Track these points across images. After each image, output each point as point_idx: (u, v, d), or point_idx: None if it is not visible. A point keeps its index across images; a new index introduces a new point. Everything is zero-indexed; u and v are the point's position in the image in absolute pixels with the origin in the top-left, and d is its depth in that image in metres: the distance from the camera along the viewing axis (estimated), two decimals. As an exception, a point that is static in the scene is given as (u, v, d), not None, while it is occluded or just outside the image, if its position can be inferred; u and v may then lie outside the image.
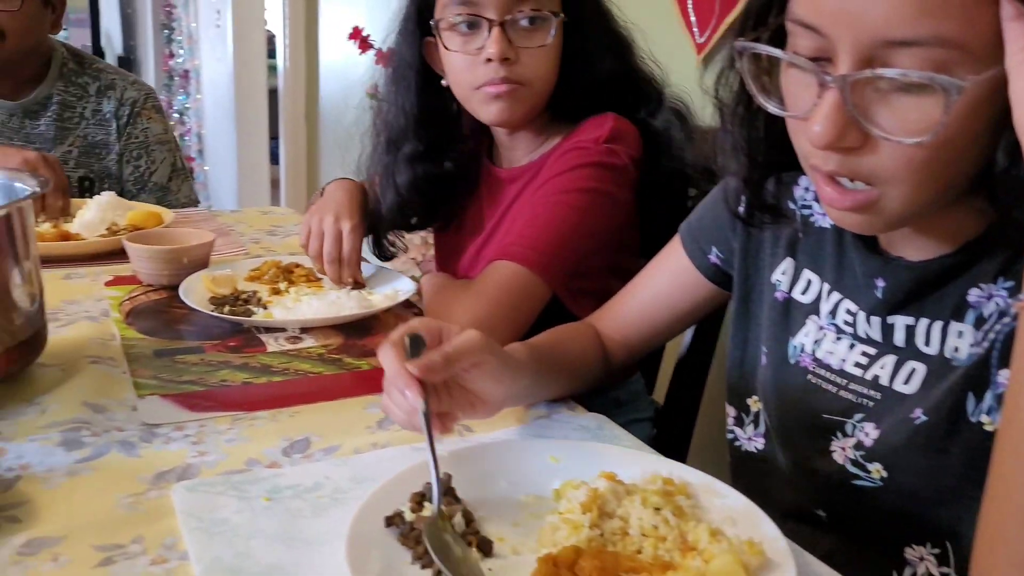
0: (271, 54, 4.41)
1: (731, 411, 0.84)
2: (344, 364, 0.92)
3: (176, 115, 5.51)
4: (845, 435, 0.71)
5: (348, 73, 3.19)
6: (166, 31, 5.71)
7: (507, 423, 0.81)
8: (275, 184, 4.33)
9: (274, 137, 4.22)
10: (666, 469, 0.67)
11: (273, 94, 4.05)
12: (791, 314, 0.78)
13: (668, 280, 0.91)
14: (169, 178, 1.70)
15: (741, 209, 0.76)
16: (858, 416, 0.70)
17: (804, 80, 0.58)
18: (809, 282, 0.77)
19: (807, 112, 0.57)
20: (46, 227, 1.29)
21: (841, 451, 0.71)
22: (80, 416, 0.75)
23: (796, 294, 0.78)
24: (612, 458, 0.69)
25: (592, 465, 0.68)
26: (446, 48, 1.04)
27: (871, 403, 0.70)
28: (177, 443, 0.73)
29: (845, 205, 0.60)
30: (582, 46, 1.05)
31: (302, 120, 3.69)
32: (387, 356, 0.66)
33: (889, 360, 0.69)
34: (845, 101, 0.55)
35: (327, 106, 3.51)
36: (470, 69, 1.03)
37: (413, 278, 1.20)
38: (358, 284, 1.12)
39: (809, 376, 0.75)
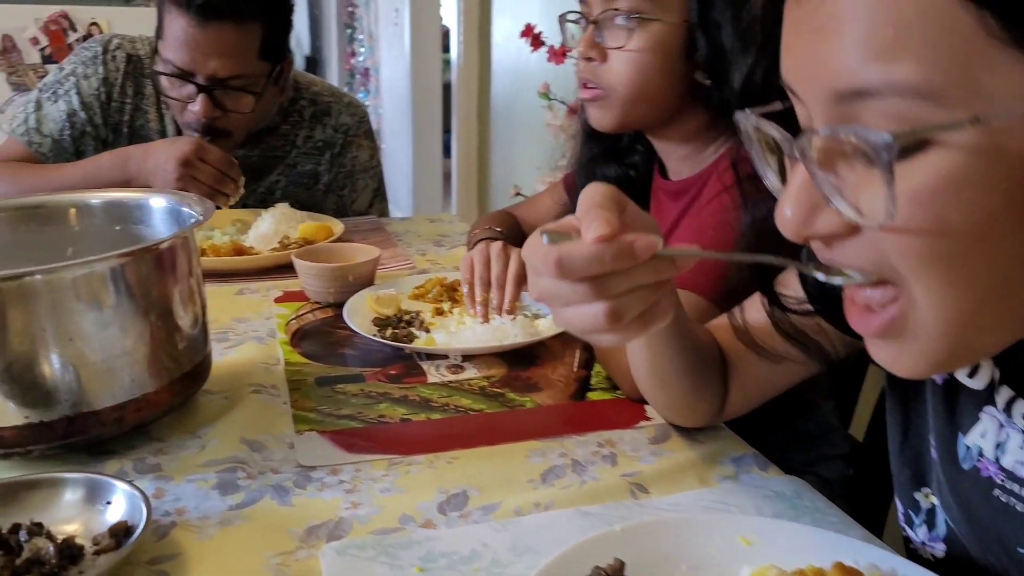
0: (446, 48, 4.49)
1: (899, 505, 0.66)
2: (506, 400, 0.86)
3: (357, 112, 5.74)
4: None
5: (520, 69, 3.15)
6: (348, 31, 5.97)
7: (688, 483, 0.71)
8: (447, 177, 4.41)
9: (447, 131, 4.30)
10: (883, 562, 0.55)
11: (447, 88, 4.12)
12: (959, 403, 0.58)
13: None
14: (370, 203, 1.63)
15: None
16: None
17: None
18: (978, 363, 0.56)
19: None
20: (222, 240, 1.32)
21: None
22: (238, 454, 0.73)
23: (962, 376, 0.57)
24: (818, 542, 0.58)
25: (790, 549, 0.57)
26: (567, 46, 1.01)
27: None
28: (331, 490, 0.69)
29: (870, 330, 0.45)
30: (720, 46, 0.93)
31: (474, 115, 3.71)
32: (562, 253, 0.51)
33: None
34: (813, 175, 0.41)
35: (499, 101, 3.50)
36: (577, 67, 0.99)
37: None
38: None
39: (997, 492, 0.54)
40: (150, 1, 2.44)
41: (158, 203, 0.85)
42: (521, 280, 1.05)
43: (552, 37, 2.01)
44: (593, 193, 0.55)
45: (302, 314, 1.09)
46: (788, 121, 0.46)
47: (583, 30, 0.96)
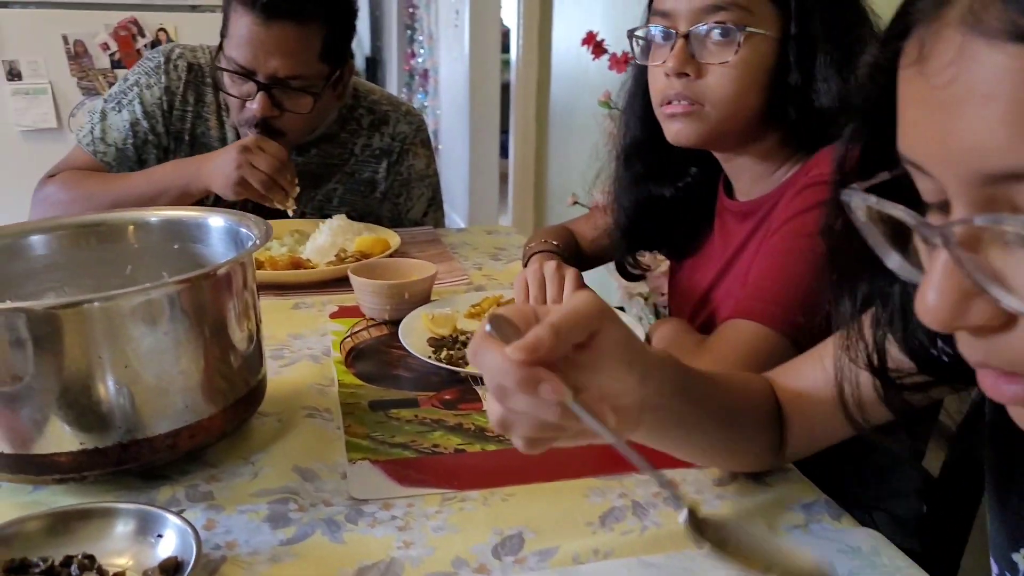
0: (505, 48, 4.48)
1: (993, 566, 0.61)
2: (564, 432, 0.83)
3: (415, 113, 5.77)
4: None
5: (579, 74, 3.11)
6: (409, 32, 6.00)
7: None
8: (503, 178, 4.41)
9: (504, 131, 4.29)
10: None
11: (505, 88, 4.11)
12: None
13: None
14: (425, 213, 1.62)
15: None
16: None
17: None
18: None
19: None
20: (280, 251, 1.32)
21: None
22: (290, 484, 0.72)
23: None
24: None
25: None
26: (639, 62, 0.97)
27: None
28: (383, 527, 0.67)
29: (1013, 399, 0.41)
30: (810, 63, 0.88)
31: (532, 117, 3.69)
32: (481, 350, 0.51)
33: None
34: (962, 262, 0.36)
35: (557, 105, 3.47)
36: (656, 83, 0.94)
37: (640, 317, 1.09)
38: None
39: None
40: (216, 8, 2.47)
41: (216, 222, 0.85)
42: None
43: (614, 44, 1.97)
44: (571, 305, 0.52)
45: (357, 331, 1.08)
46: (894, 191, 0.42)
47: (667, 44, 0.91)
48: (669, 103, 0.92)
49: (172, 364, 0.68)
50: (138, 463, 0.68)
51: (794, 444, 0.73)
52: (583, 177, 3.26)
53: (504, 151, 4.38)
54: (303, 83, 1.32)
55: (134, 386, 0.66)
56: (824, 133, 0.90)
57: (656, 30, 0.93)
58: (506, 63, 4.42)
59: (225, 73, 1.33)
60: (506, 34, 4.45)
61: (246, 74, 1.30)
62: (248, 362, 0.76)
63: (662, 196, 1.06)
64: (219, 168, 1.27)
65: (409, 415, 0.85)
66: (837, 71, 0.87)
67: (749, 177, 0.99)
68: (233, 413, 0.74)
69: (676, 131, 0.93)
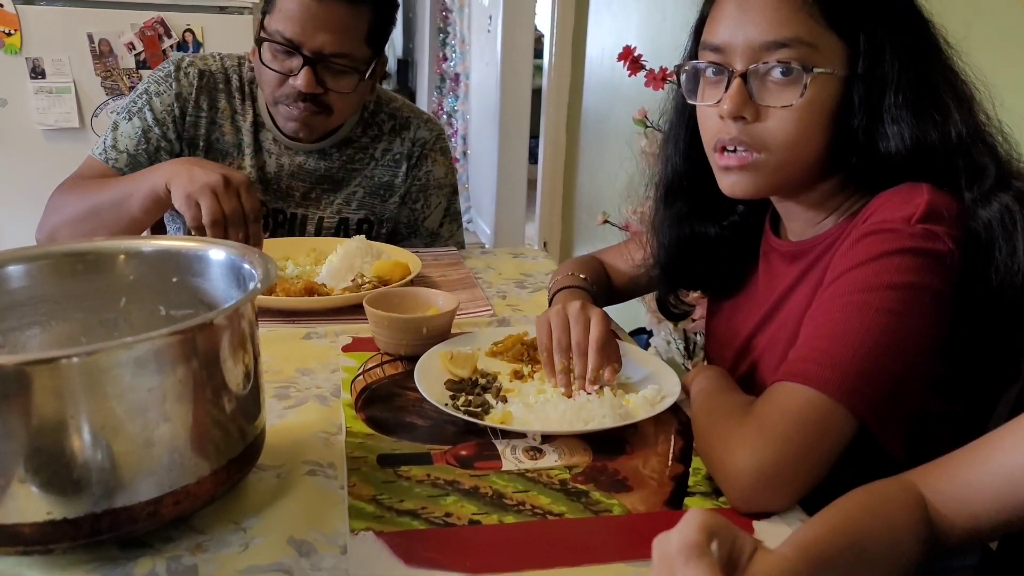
0: (537, 54, 4.41)
1: None
2: (591, 501, 0.74)
3: (445, 116, 5.72)
4: None
5: (613, 83, 3.03)
6: (441, 35, 5.95)
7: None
8: (531, 184, 4.34)
9: (534, 136, 4.23)
10: None
11: (536, 93, 4.05)
12: None
13: None
14: (441, 223, 1.58)
15: None
16: None
17: None
18: None
19: None
20: (294, 272, 1.25)
21: None
22: (283, 561, 0.64)
23: None
24: None
25: None
26: (688, 100, 0.89)
27: None
28: (384, 617, 0.59)
29: None
30: (877, 104, 0.80)
31: (563, 126, 3.62)
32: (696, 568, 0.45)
33: None
34: None
35: (589, 115, 3.39)
36: (708, 124, 0.86)
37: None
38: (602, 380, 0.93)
39: None
40: (244, 10, 2.42)
41: (217, 255, 0.77)
42: (605, 347, 0.93)
43: (650, 57, 1.88)
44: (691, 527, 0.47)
45: (370, 368, 1.01)
46: None
47: (721, 82, 0.83)
48: (724, 150, 0.84)
49: (157, 424, 0.60)
50: (113, 534, 0.60)
51: (951, 543, 0.68)
52: (613, 191, 3.19)
53: (533, 157, 4.33)
54: (347, 62, 1.31)
55: (111, 449, 0.59)
56: (886, 175, 0.82)
57: (708, 66, 0.85)
58: (538, 68, 4.36)
59: (267, 47, 1.30)
60: (539, 39, 4.38)
61: (293, 48, 1.28)
62: (244, 418, 0.68)
63: (706, 234, 0.98)
64: (191, 176, 1.13)
65: (421, 474, 0.78)
66: (910, 112, 0.78)
67: (802, 219, 0.91)
68: (225, 475, 0.66)
69: (731, 184, 0.86)
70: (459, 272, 1.38)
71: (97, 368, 0.57)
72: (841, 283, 0.78)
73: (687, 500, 0.76)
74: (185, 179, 1.13)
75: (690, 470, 0.81)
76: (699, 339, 2.14)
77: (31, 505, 0.58)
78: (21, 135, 2.38)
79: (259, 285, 0.68)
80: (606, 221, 2.19)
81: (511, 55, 4.31)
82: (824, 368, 0.74)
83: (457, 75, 5.60)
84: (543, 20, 4.18)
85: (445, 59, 5.90)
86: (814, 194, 0.87)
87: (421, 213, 1.56)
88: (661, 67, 1.84)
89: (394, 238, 1.55)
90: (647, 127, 1.87)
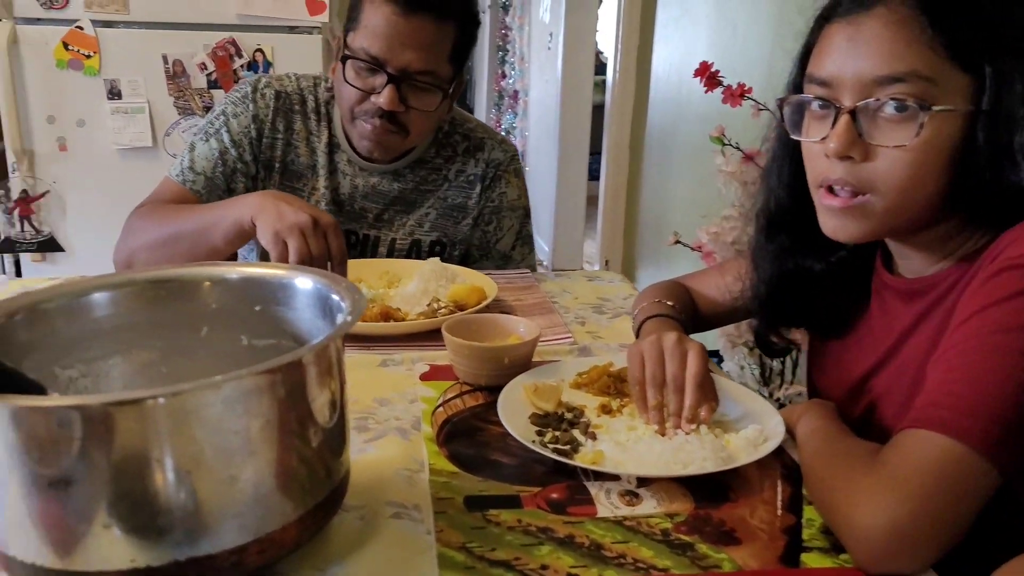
0: (598, 70, 4.37)
1: None
2: (697, 556, 0.68)
3: (503, 133, 5.72)
4: None
5: (680, 99, 2.97)
6: (500, 53, 5.96)
7: None
8: (591, 200, 4.29)
9: (594, 153, 4.18)
10: None
11: (597, 109, 4.00)
12: None
13: None
14: (513, 246, 1.53)
15: None
16: None
17: None
18: None
19: None
20: (368, 295, 1.22)
21: None
22: (372, 615, 0.60)
23: None
24: None
25: None
26: (792, 136, 0.84)
27: None
28: None
29: None
30: (1007, 141, 0.73)
31: (626, 143, 3.57)
32: None
33: None
34: None
35: (654, 129, 3.33)
36: (813, 162, 0.80)
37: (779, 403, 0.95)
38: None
39: None
40: (313, 30, 2.43)
41: (304, 284, 0.74)
42: (703, 382, 0.87)
43: (722, 75, 1.82)
44: None
45: (449, 399, 0.96)
46: None
47: (827, 117, 0.78)
48: (829, 190, 0.79)
49: (243, 466, 0.57)
50: (197, 584, 0.57)
51: None
52: (680, 210, 3.12)
53: (592, 174, 4.28)
54: (431, 80, 1.29)
55: (196, 492, 0.55)
56: (1013, 212, 0.75)
57: (814, 100, 0.79)
58: (597, 85, 4.32)
59: (350, 64, 1.28)
60: (599, 55, 4.33)
61: (377, 65, 1.26)
62: (331, 459, 0.65)
63: (811, 270, 0.92)
64: (280, 214, 1.11)
65: (511, 519, 0.73)
66: None
67: (917, 258, 0.84)
68: (311, 521, 0.62)
69: (834, 227, 0.80)
70: (534, 296, 1.34)
71: (184, 408, 0.54)
72: (974, 323, 0.71)
73: (803, 556, 0.69)
74: (273, 216, 1.11)
75: (802, 521, 0.74)
76: (776, 365, 2.05)
77: (115, 552, 0.54)
78: (97, 154, 2.42)
79: (349, 318, 0.64)
80: (677, 241, 2.12)
81: (572, 72, 4.28)
82: (962, 416, 0.67)
83: (516, 92, 5.60)
84: (603, 36, 4.13)
85: (504, 76, 5.90)
86: (931, 235, 0.81)
87: (493, 235, 1.52)
88: (739, 83, 1.77)
89: (466, 261, 1.51)
90: (724, 144, 1.80)
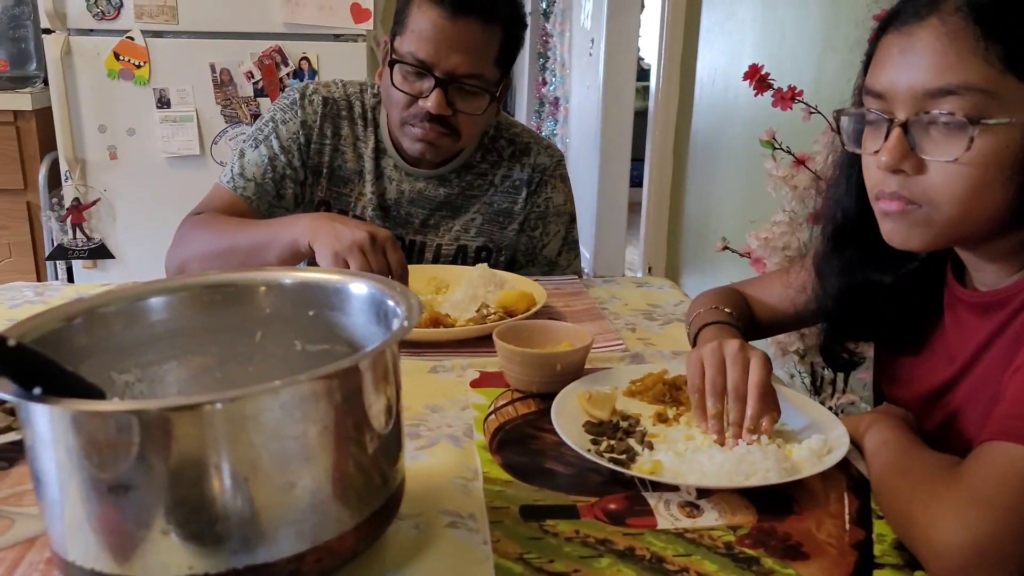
0: (640, 76, 4.34)
1: None
2: (764, 571, 0.66)
3: (544, 140, 5.70)
4: None
5: (726, 105, 2.93)
6: (541, 60, 5.95)
7: None
8: (632, 207, 4.26)
9: (636, 159, 4.15)
10: None
11: (640, 115, 3.97)
12: None
13: None
14: (559, 252, 1.52)
15: None
16: None
17: None
18: None
19: None
20: (419, 302, 1.21)
21: None
22: (430, 627, 0.58)
23: None
24: None
25: None
26: (848, 148, 0.82)
27: None
28: None
29: None
30: None
31: (670, 148, 3.53)
32: None
33: None
34: None
35: (699, 134, 3.29)
36: (870, 173, 0.79)
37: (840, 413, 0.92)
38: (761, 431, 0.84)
39: None
40: (358, 37, 2.44)
41: (359, 289, 0.73)
42: (766, 391, 0.84)
43: (773, 78, 1.78)
44: None
45: (501, 406, 0.95)
46: None
47: (881, 129, 0.76)
48: (884, 200, 0.77)
49: (299, 475, 0.56)
50: (254, 592, 0.56)
51: None
52: (725, 215, 3.07)
53: (633, 180, 4.25)
54: (478, 83, 1.28)
55: (253, 499, 0.55)
56: None
57: (869, 113, 0.77)
58: (639, 91, 4.28)
59: (398, 69, 1.28)
60: (640, 61, 4.30)
61: (424, 69, 1.25)
62: (387, 466, 0.63)
63: (880, 283, 0.89)
64: (337, 235, 1.11)
65: (569, 530, 0.71)
66: None
67: (990, 270, 0.81)
68: (367, 529, 0.61)
69: (889, 231, 0.78)
70: (583, 302, 1.32)
71: (242, 414, 0.53)
72: None
73: (876, 573, 0.66)
74: (331, 237, 1.11)
75: (873, 536, 0.71)
76: (827, 373, 2.00)
77: (173, 559, 0.54)
78: (146, 162, 2.47)
79: (406, 323, 0.63)
80: (726, 247, 2.08)
81: (613, 78, 4.26)
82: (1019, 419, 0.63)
83: (556, 99, 5.58)
84: (645, 42, 4.10)
85: (544, 83, 5.89)
86: (1003, 245, 0.77)
87: (540, 241, 1.51)
88: (790, 86, 1.74)
89: (512, 266, 1.50)
90: (775, 148, 1.76)
